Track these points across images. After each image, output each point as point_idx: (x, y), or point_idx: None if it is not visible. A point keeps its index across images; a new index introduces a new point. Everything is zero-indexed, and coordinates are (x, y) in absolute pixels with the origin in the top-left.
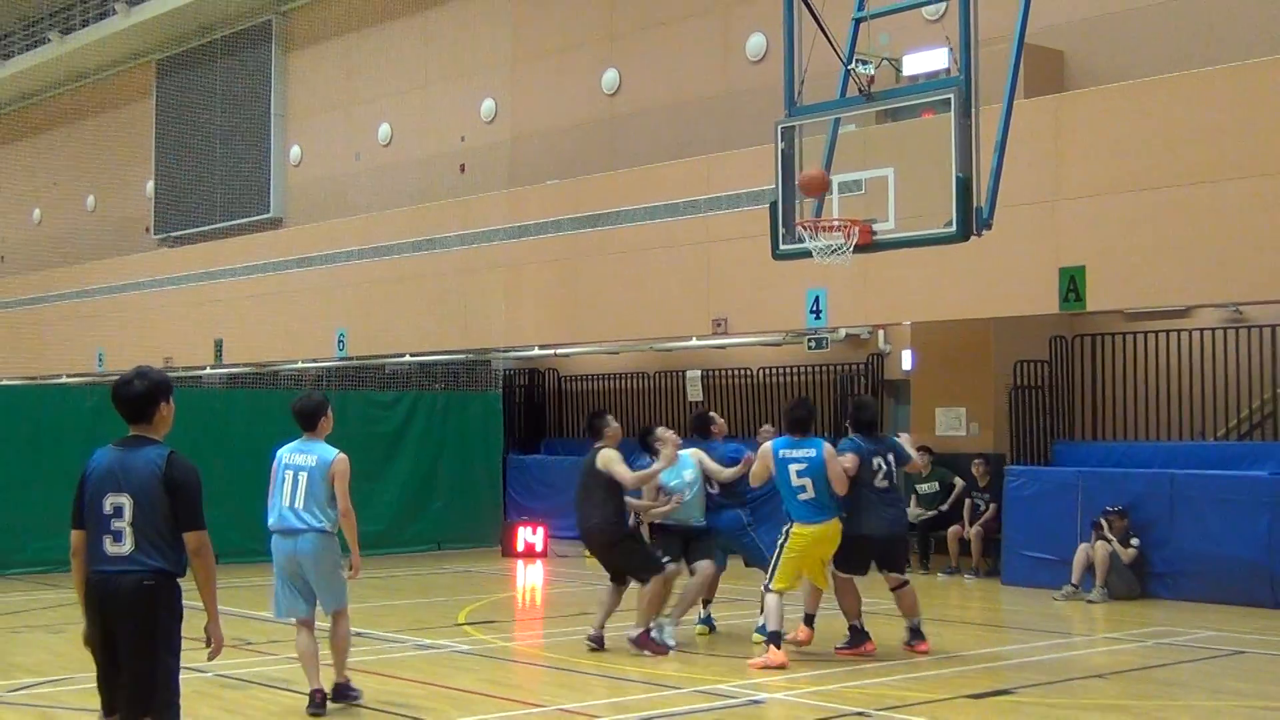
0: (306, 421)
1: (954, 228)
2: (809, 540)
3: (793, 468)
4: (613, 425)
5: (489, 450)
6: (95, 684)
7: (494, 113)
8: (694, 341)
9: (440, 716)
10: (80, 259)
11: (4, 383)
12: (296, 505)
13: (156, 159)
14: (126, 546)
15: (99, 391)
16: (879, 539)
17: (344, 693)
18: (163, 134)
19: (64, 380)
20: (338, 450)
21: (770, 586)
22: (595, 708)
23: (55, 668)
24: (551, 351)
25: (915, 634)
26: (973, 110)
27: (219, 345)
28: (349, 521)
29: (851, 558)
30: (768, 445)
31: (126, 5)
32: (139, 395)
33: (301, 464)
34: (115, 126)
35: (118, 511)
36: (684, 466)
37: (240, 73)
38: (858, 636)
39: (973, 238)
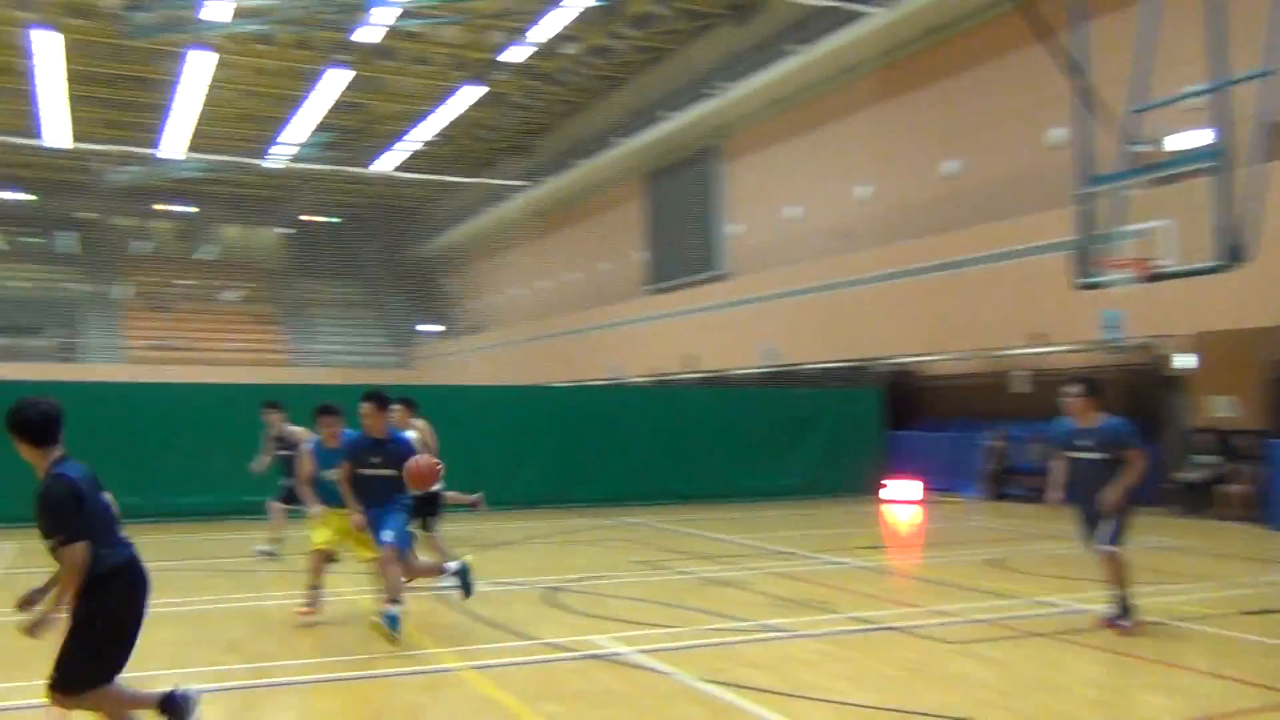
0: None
1: (1222, 261)
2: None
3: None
4: None
5: (872, 429)
6: None
7: (869, 195)
8: (1017, 350)
9: (842, 610)
10: (598, 305)
11: (553, 385)
12: None
13: (651, 237)
14: None
15: (604, 389)
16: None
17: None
18: (654, 220)
19: (590, 383)
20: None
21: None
22: (963, 611)
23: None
24: (914, 359)
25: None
26: (1229, 173)
27: (690, 358)
28: None
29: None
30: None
31: (622, 139)
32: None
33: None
34: (619, 217)
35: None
36: None
37: (697, 178)
38: (1124, 608)
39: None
